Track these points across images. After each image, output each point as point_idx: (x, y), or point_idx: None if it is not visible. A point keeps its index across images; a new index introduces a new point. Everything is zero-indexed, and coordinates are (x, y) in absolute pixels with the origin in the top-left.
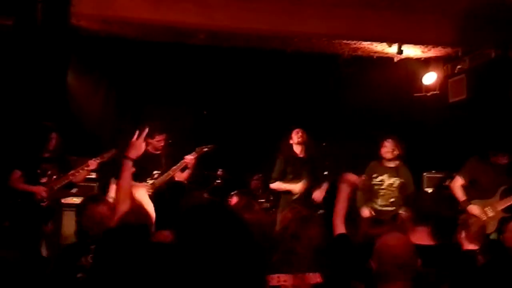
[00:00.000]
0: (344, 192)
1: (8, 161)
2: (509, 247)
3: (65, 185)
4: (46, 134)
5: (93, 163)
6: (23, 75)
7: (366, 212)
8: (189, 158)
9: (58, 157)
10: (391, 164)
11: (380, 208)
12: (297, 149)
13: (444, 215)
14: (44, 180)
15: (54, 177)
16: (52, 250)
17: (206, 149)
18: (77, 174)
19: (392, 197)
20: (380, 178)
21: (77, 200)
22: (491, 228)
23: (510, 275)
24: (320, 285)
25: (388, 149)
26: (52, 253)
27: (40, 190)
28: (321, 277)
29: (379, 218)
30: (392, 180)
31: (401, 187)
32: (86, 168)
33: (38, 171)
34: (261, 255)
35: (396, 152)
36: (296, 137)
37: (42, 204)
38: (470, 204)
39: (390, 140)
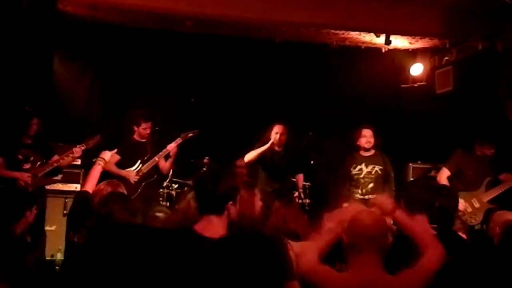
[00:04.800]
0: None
1: None
2: (492, 236)
3: (50, 172)
4: (26, 119)
5: (78, 151)
6: (8, 60)
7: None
8: (171, 146)
9: (40, 143)
10: (367, 154)
11: (361, 197)
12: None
13: (439, 203)
14: (27, 166)
15: (38, 163)
16: (36, 235)
17: (191, 134)
18: (61, 160)
19: (371, 183)
20: (358, 167)
21: (62, 186)
22: (477, 219)
23: (494, 264)
24: None
25: (368, 138)
26: (35, 239)
27: (24, 176)
28: None
29: None
30: (370, 168)
31: (381, 174)
32: (71, 155)
33: (20, 157)
34: None
35: (373, 142)
36: (276, 136)
37: (26, 190)
38: None
39: (368, 130)
